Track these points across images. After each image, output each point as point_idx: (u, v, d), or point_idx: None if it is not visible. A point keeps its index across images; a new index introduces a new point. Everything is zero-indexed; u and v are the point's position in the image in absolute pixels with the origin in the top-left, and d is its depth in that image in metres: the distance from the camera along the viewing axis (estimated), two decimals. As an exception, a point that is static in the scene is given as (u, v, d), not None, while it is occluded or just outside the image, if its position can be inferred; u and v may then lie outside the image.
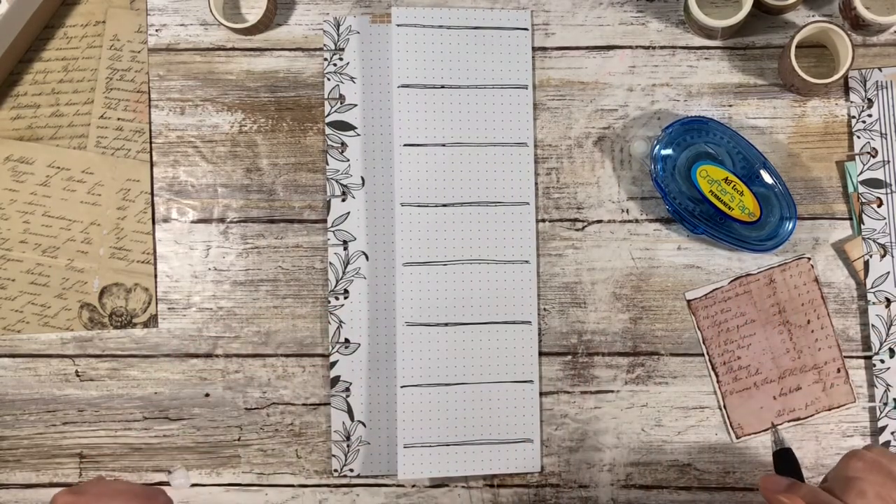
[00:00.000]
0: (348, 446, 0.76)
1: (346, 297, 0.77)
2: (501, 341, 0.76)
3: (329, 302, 0.77)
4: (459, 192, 0.76)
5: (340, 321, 0.77)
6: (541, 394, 0.77)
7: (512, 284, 0.76)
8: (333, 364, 0.76)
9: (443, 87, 0.77)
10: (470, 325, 0.76)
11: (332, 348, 0.76)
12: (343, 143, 0.78)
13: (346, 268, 0.77)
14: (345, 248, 0.77)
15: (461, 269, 0.76)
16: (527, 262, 0.76)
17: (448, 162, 0.76)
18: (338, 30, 0.78)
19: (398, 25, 0.77)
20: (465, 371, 0.76)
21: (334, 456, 0.76)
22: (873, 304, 0.75)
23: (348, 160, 0.77)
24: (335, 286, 0.77)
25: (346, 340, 0.76)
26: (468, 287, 0.76)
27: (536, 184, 0.77)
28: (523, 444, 0.75)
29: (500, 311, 0.76)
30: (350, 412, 0.76)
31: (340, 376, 0.76)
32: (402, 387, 0.75)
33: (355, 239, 0.77)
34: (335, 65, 0.78)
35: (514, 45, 0.77)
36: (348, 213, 0.77)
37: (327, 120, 0.78)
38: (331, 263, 0.77)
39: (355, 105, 0.78)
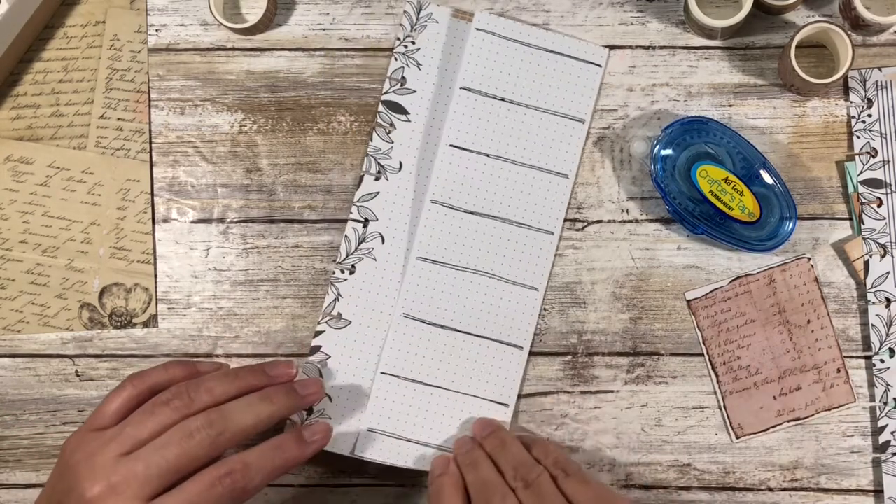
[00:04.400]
0: (308, 415, 0.75)
1: (351, 273, 0.77)
2: (489, 358, 0.76)
3: (333, 273, 0.77)
4: (490, 205, 0.76)
5: (339, 294, 0.76)
6: (539, 394, 0.77)
7: (515, 307, 0.76)
8: (318, 333, 0.76)
9: (503, 99, 0.77)
10: (463, 334, 0.76)
11: (322, 318, 0.76)
12: (392, 125, 0.77)
13: (359, 244, 0.77)
14: (364, 226, 0.77)
15: (470, 277, 0.76)
16: (535, 289, 0.76)
17: (487, 172, 0.76)
18: (417, 13, 0.78)
19: (477, 29, 0.77)
20: (446, 376, 0.76)
21: (292, 422, 0.75)
22: (873, 304, 0.75)
23: (392, 143, 0.77)
24: (344, 258, 0.77)
25: (339, 315, 0.76)
26: (472, 297, 0.76)
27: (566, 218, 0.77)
28: None
29: (495, 329, 0.76)
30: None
31: (321, 347, 0.76)
32: (382, 373, 0.75)
33: (377, 220, 0.77)
34: (406, 46, 0.78)
35: (583, 77, 0.77)
36: (377, 192, 0.77)
37: (383, 98, 0.77)
38: (346, 236, 0.77)
39: (414, 91, 0.78)
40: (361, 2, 0.79)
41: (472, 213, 0.76)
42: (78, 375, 0.78)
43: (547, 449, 0.73)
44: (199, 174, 0.79)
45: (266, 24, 0.78)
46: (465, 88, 0.77)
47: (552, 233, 0.77)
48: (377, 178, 0.77)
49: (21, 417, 0.78)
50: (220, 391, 0.68)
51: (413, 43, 0.78)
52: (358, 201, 0.77)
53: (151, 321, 0.78)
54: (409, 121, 0.77)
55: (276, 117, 0.79)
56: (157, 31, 0.79)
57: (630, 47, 0.78)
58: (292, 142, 0.79)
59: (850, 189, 0.76)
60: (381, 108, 0.77)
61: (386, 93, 0.78)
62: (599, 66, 0.77)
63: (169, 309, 0.78)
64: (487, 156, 0.77)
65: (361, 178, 0.77)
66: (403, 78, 0.78)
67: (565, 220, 0.77)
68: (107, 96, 0.79)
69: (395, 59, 0.78)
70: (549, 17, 0.78)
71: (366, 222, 0.77)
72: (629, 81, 0.78)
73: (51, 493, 0.67)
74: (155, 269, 0.78)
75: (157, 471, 0.63)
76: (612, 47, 0.78)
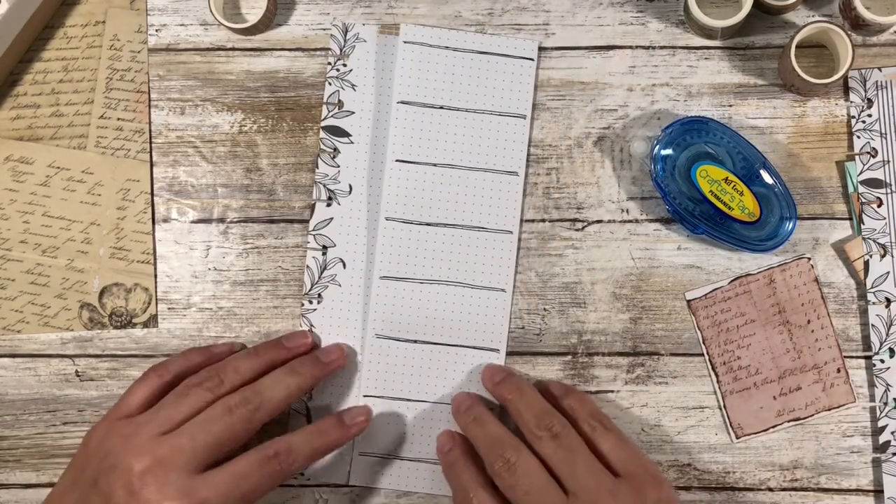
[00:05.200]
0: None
1: (319, 302, 0.77)
2: (467, 366, 0.76)
3: (302, 305, 0.77)
4: (445, 214, 0.76)
5: (312, 325, 0.76)
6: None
7: (485, 311, 0.76)
8: None
9: (442, 107, 0.77)
10: (438, 346, 0.76)
11: None
12: (335, 149, 0.78)
13: (322, 273, 0.77)
14: (323, 254, 0.77)
15: (436, 289, 0.76)
16: (503, 290, 0.76)
17: (437, 182, 0.77)
18: (345, 35, 0.78)
19: (405, 42, 0.77)
20: (428, 390, 0.76)
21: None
22: (873, 304, 0.75)
23: (338, 166, 0.77)
24: (309, 289, 0.77)
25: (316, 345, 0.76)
26: (441, 308, 0.76)
27: (526, 184, 0.77)
28: None
29: (469, 336, 0.76)
30: (309, 417, 0.76)
31: None
32: (365, 396, 0.75)
33: (335, 245, 0.77)
34: (338, 70, 0.78)
35: (517, 73, 0.77)
36: (331, 218, 0.77)
37: (323, 124, 0.78)
38: (307, 267, 0.77)
39: (353, 112, 0.78)
40: (361, 2, 0.79)
41: (428, 224, 0.76)
42: (78, 375, 0.78)
43: (583, 398, 0.71)
44: (199, 174, 0.79)
45: (266, 24, 0.78)
46: (403, 102, 0.77)
47: (511, 232, 0.77)
48: (329, 204, 0.77)
49: (21, 417, 0.78)
50: (247, 369, 0.71)
51: (344, 65, 0.78)
52: (313, 230, 0.77)
53: (151, 321, 0.78)
54: (352, 143, 0.77)
55: (276, 117, 0.79)
56: (157, 31, 0.79)
57: (630, 47, 0.78)
58: (292, 142, 0.79)
59: (850, 189, 0.76)
60: (321, 134, 0.77)
61: (325, 118, 0.78)
62: (532, 59, 0.78)
63: (169, 309, 0.78)
64: (435, 165, 0.77)
65: (313, 206, 0.77)
66: (340, 101, 0.78)
67: (565, 219, 0.77)
68: (107, 96, 0.79)
69: (329, 84, 0.78)
70: (550, 17, 0.78)
71: (324, 249, 0.77)
72: (629, 81, 0.78)
73: (72, 485, 0.67)
74: (155, 269, 0.78)
75: (203, 444, 0.66)
76: (612, 47, 0.78)
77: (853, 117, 0.76)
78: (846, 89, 0.77)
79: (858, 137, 0.76)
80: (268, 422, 0.70)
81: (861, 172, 0.76)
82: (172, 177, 0.79)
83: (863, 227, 0.76)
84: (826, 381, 0.75)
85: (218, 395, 0.69)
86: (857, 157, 0.76)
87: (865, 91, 0.76)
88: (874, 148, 0.76)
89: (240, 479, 0.66)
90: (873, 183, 0.76)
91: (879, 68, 0.77)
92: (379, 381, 0.76)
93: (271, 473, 0.67)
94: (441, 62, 0.77)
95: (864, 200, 0.76)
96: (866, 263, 0.76)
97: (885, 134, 0.76)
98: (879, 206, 0.76)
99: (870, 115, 0.76)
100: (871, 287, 0.75)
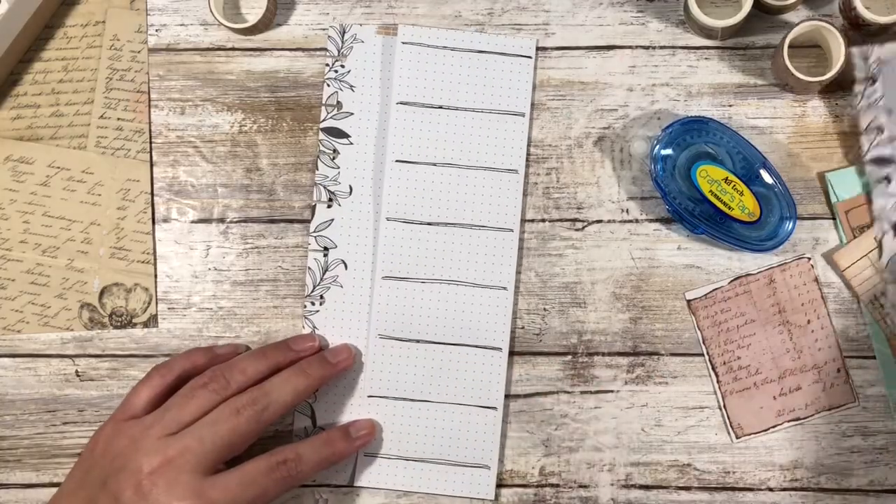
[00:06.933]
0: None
1: (321, 304, 0.77)
2: (470, 364, 0.76)
3: (304, 307, 0.77)
4: (446, 213, 0.77)
5: (314, 327, 0.76)
6: (539, 394, 0.77)
7: (487, 309, 0.76)
8: None
9: (440, 107, 0.77)
10: (441, 345, 0.76)
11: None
12: (335, 150, 0.78)
13: (324, 274, 0.77)
14: (325, 255, 0.77)
15: (438, 287, 0.76)
16: (504, 288, 0.76)
17: (438, 181, 0.77)
18: (342, 36, 0.78)
19: (403, 43, 0.77)
20: (431, 389, 0.76)
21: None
22: (892, 283, 0.74)
23: (338, 167, 0.77)
24: (311, 291, 0.77)
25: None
26: (443, 307, 0.76)
27: (526, 184, 0.77)
28: (479, 470, 0.75)
29: (472, 335, 0.76)
30: (313, 418, 0.76)
31: None
32: (369, 396, 0.76)
33: (336, 247, 0.77)
34: (336, 71, 0.78)
35: (516, 71, 0.77)
36: (332, 219, 0.77)
37: (322, 125, 0.78)
38: (309, 268, 0.77)
39: (351, 114, 0.78)
40: (361, 2, 0.79)
41: (429, 223, 0.76)
42: (78, 375, 0.78)
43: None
44: (199, 174, 0.79)
45: (266, 24, 0.78)
46: (402, 103, 0.77)
47: (512, 230, 0.77)
48: (329, 206, 0.77)
49: (21, 417, 0.78)
50: (253, 370, 0.71)
51: (342, 66, 0.78)
52: (314, 231, 0.77)
53: (151, 321, 0.78)
54: (351, 143, 0.77)
55: (276, 117, 0.79)
56: (157, 31, 0.79)
57: (630, 47, 0.78)
58: (292, 142, 0.79)
59: (833, 199, 0.76)
60: (321, 135, 0.77)
61: (323, 120, 0.78)
62: (530, 57, 0.78)
63: (169, 309, 0.78)
64: (435, 165, 0.77)
65: (314, 207, 0.77)
66: (339, 103, 0.78)
67: (565, 219, 0.77)
68: (107, 96, 0.79)
69: (328, 86, 0.78)
70: (550, 16, 0.78)
71: (326, 251, 0.77)
72: (629, 81, 0.78)
73: (79, 486, 0.67)
74: (155, 269, 0.78)
75: (212, 446, 0.66)
76: (612, 47, 0.78)
77: (857, 95, 0.75)
78: (850, 67, 0.76)
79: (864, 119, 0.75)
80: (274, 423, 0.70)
81: (868, 151, 0.75)
82: (172, 177, 0.79)
83: (872, 207, 0.74)
84: (826, 381, 0.75)
85: (224, 397, 0.69)
86: (862, 136, 0.75)
87: (868, 68, 0.75)
88: (881, 125, 0.75)
89: (248, 484, 0.66)
90: (881, 161, 0.74)
91: (880, 44, 0.75)
92: (383, 382, 0.76)
93: (278, 480, 0.68)
94: (439, 62, 0.77)
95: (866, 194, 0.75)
96: (880, 243, 0.74)
97: (892, 110, 0.74)
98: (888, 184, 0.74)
99: (875, 91, 0.75)
100: (887, 267, 0.74)
